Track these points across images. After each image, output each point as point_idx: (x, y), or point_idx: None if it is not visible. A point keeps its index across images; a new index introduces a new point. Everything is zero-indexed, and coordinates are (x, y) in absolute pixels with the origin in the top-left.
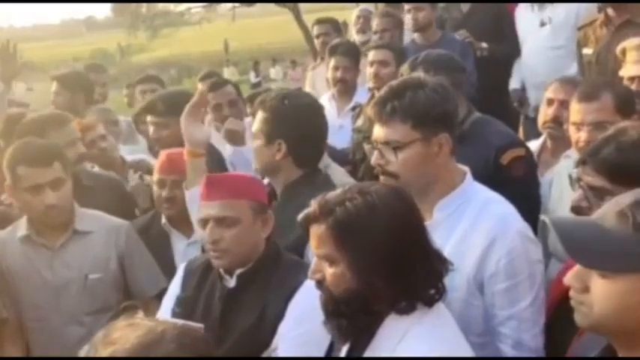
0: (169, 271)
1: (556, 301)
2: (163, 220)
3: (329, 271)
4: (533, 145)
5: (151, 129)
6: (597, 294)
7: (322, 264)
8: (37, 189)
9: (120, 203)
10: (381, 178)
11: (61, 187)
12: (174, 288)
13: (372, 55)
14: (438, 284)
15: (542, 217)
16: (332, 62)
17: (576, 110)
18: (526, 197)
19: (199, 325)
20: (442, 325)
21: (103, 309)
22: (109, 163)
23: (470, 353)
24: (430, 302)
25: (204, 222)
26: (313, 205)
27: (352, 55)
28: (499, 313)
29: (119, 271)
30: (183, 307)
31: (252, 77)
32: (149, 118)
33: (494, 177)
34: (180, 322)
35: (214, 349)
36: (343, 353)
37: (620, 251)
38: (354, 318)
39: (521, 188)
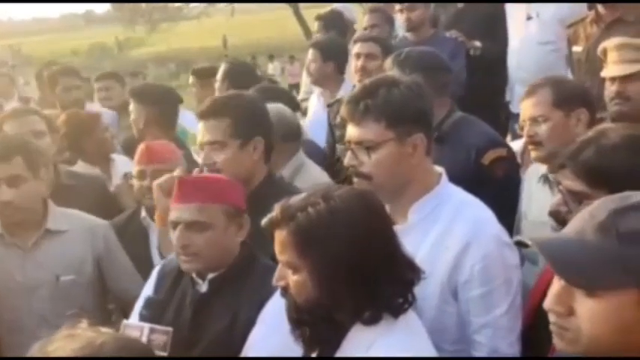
0: (146, 268)
1: (534, 308)
2: (143, 213)
3: (292, 278)
4: (517, 144)
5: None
6: (585, 316)
7: (286, 271)
8: None
9: (102, 203)
10: (354, 179)
11: (20, 184)
12: (147, 290)
13: (358, 47)
14: (406, 294)
15: (522, 238)
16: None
17: (522, 108)
18: (505, 199)
19: (167, 329)
20: (410, 334)
21: (79, 313)
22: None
23: None
24: (397, 312)
25: (173, 224)
26: (276, 210)
27: (320, 47)
28: (474, 321)
29: (96, 273)
30: (153, 310)
31: None
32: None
33: (475, 178)
34: (147, 325)
35: None
36: None
37: (608, 266)
38: (316, 327)
39: (501, 189)
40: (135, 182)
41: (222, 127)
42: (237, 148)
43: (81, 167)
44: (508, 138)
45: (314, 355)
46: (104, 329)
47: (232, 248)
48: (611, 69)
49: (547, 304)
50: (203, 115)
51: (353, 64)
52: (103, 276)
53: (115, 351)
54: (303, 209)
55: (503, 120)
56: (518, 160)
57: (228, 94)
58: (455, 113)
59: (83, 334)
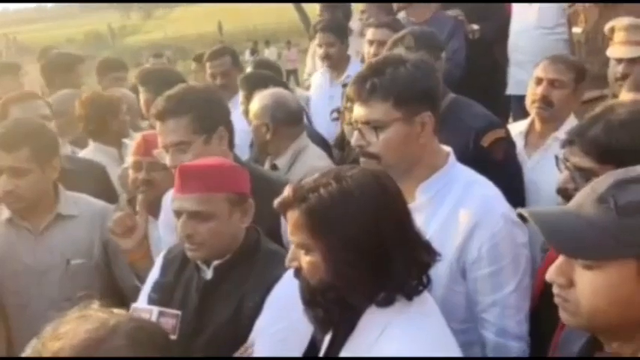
0: None
1: (542, 287)
2: (138, 206)
3: (304, 259)
4: (520, 125)
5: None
6: (583, 288)
7: (298, 252)
8: (0, 171)
9: (100, 189)
10: (362, 160)
11: (23, 175)
12: (154, 274)
13: (370, 33)
14: (421, 276)
15: (520, 209)
16: (316, 40)
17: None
18: (507, 179)
19: (176, 312)
20: (425, 315)
21: (90, 294)
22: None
23: (454, 345)
24: (411, 294)
25: (177, 214)
26: (288, 190)
27: (334, 30)
28: (482, 300)
29: (103, 256)
30: (161, 293)
31: (247, 57)
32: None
33: (474, 161)
34: (156, 308)
35: (171, 345)
36: (324, 345)
37: (606, 238)
38: (329, 309)
39: (501, 170)
40: (130, 173)
41: (183, 126)
42: (203, 144)
43: (92, 149)
44: (510, 121)
45: (328, 336)
46: (117, 310)
47: (237, 234)
48: (618, 50)
49: (548, 275)
50: (160, 116)
51: (366, 51)
52: (109, 260)
53: (130, 332)
54: (315, 190)
55: (503, 102)
56: (522, 140)
57: (180, 90)
58: (448, 95)
59: (96, 315)
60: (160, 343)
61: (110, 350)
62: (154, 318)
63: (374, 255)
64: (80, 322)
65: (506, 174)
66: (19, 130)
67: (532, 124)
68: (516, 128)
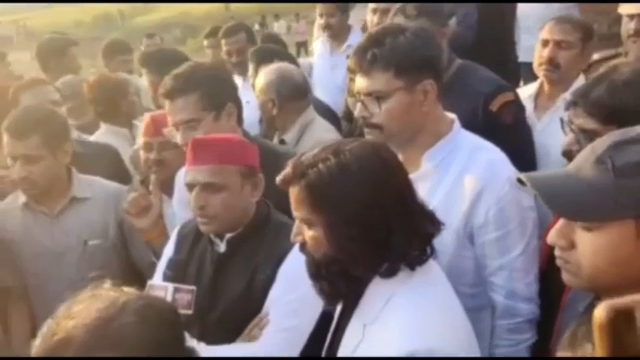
0: None
1: (550, 248)
2: (151, 186)
3: (308, 233)
4: (529, 88)
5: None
6: (584, 249)
7: (302, 226)
8: (13, 159)
9: (113, 170)
10: (366, 130)
11: (35, 162)
12: (168, 251)
13: (374, 2)
14: (424, 246)
15: (519, 174)
16: (317, 10)
17: (546, 29)
18: (517, 143)
19: (191, 288)
20: (429, 284)
21: (102, 274)
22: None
23: (460, 313)
24: (414, 265)
25: (190, 187)
26: (288, 167)
27: None
28: (490, 263)
29: (119, 236)
30: (175, 270)
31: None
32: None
33: (484, 126)
34: (171, 285)
35: (180, 322)
36: (336, 316)
37: (604, 199)
38: (334, 282)
39: (511, 134)
40: (141, 154)
41: (192, 103)
42: (212, 121)
43: (104, 132)
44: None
45: (338, 308)
46: (127, 289)
47: (248, 208)
48: (631, 6)
49: (549, 238)
50: (169, 95)
51: (369, 19)
52: (125, 240)
53: (139, 310)
54: (314, 165)
55: (513, 70)
56: (532, 103)
57: (188, 68)
58: (455, 61)
59: (106, 294)
60: (169, 319)
61: (120, 327)
62: (169, 294)
63: (375, 228)
64: (92, 302)
65: (516, 137)
66: (29, 117)
67: (541, 86)
68: (525, 92)
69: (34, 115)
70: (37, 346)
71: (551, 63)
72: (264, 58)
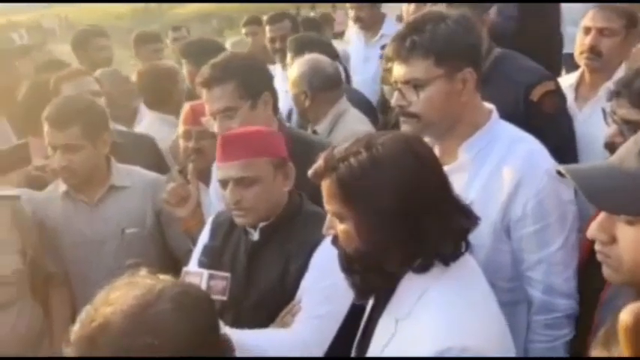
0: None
1: (590, 242)
2: (189, 174)
3: (340, 227)
4: (570, 78)
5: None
6: (626, 244)
7: (334, 220)
8: (54, 148)
9: (152, 160)
10: (402, 119)
11: (75, 151)
12: (203, 238)
13: None
14: (459, 241)
15: (558, 166)
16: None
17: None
18: (558, 134)
19: (226, 274)
20: (463, 281)
21: (139, 262)
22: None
23: (495, 310)
24: (448, 260)
25: (223, 183)
26: (320, 160)
27: None
28: (528, 257)
29: (156, 225)
30: (211, 257)
31: None
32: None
33: (524, 116)
34: (206, 271)
35: (215, 310)
36: (368, 309)
37: None
38: (365, 277)
39: (552, 124)
40: (180, 142)
41: (229, 92)
42: (249, 109)
43: (152, 119)
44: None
45: (371, 301)
46: (163, 276)
47: (281, 197)
48: None
49: (590, 232)
50: (206, 84)
51: (404, 9)
52: (162, 228)
53: (175, 297)
54: (346, 159)
55: (556, 59)
56: (573, 93)
57: (225, 57)
58: (493, 50)
59: (143, 281)
60: (205, 306)
61: (157, 314)
62: (204, 280)
63: (407, 224)
64: (129, 289)
65: (557, 128)
66: (70, 108)
67: (582, 76)
68: (566, 81)
69: (74, 105)
70: (75, 332)
71: (593, 51)
72: (302, 47)
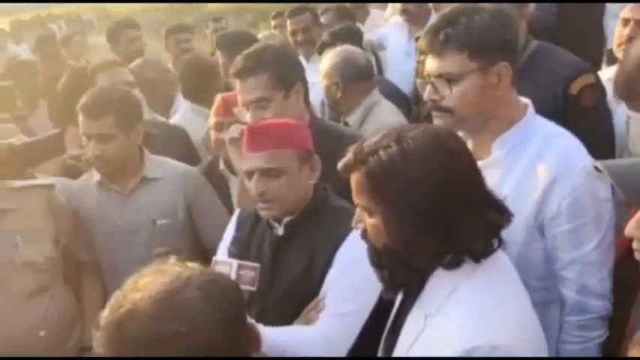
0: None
1: (627, 242)
2: (221, 165)
3: (369, 221)
4: (609, 71)
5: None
6: None
7: (363, 214)
8: (88, 138)
9: (182, 151)
10: (435, 114)
11: (109, 141)
12: (230, 230)
13: None
14: (490, 238)
15: (596, 162)
16: None
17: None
18: (597, 128)
19: (255, 265)
20: (496, 277)
21: (168, 251)
22: None
23: (527, 309)
24: (479, 257)
25: (249, 174)
26: (349, 153)
27: None
28: (562, 257)
29: (187, 218)
30: (239, 247)
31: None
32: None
33: (563, 110)
34: (236, 261)
35: (242, 300)
36: (396, 305)
37: None
38: (394, 272)
39: (591, 118)
40: (212, 134)
41: (262, 83)
42: (282, 100)
43: (187, 110)
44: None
45: (399, 296)
46: (191, 264)
47: (306, 191)
48: None
49: (627, 229)
50: (239, 74)
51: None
52: (194, 220)
53: (202, 285)
54: (375, 153)
55: (598, 55)
56: (612, 87)
57: (258, 48)
58: (531, 42)
59: (171, 269)
60: (232, 295)
61: (184, 301)
62: (233, 270)
63: (436, 219)
64: (157, 276)
65: (596, 122)
66: (104, 98)
67: None
68: (605, 75)
69: (108, 95)
70: (104, 317)
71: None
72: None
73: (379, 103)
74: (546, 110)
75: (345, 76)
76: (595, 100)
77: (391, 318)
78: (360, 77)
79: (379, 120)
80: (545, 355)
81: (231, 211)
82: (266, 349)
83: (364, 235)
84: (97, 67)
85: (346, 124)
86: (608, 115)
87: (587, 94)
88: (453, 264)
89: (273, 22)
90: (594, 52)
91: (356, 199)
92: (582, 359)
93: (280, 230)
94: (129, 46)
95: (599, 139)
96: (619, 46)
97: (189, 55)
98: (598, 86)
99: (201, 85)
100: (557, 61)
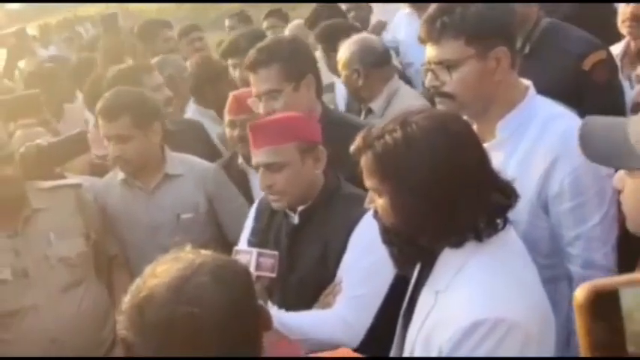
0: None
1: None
2: (240, 159)
3: (378, 202)
4: (615, 48)
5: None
6: (625, 193)
7: (374, 195)
8: (108, 139)
9: (203, 148)
10: (437, 99)
11: (127, 141)
12: (249, 221)
13: None
14: (495, 219)
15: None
16: None
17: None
18: (610, 105)
19: (274, 253)
20: (504, 255)
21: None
22: None
23: (534, 288)
24: (481, 237)
25: (257, 169)
26: (358, 138)
27: None
28: (566, 233)
29: (209, 211)
30: (259, 236)
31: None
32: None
33: (575, 86)
34: (255, 250)
35: (252, 283)
36: (411, 285)
37: (630, 149)
38: (402, 249)
39: (603, 94)
40: (227, 131)
41: (273, 75)
42: (292, 91)
43: (193, 110)
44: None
45: (414, 277)
46: (205, 252)
47: (314, 180)
48: None
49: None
50: (252, 67)
51: None
52: (215, 213)
53: (213, 270)
54: (381, 137)
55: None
56: (619, 63)
57: (270, 41)
58: (543, 20)
59: (185, 256)
60: (243, 280)
61: (196, 285)
62: (253, 258)
63: (439, 200)
64: (174, 263)
65: (609, 97)
66: (119, 100)
67: (627, 46)
68: (613, 51)
69: (123, 97)
70: (125, 302)
71: (635, 19)
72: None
73: (401, 88)
74: (558, 87)
75: (365, 62)
76: (607, 75)
77: (407, 297)
78: (380, 63)
79: (405, 104)
80: (552, 330)
81: (251, 203)
82: (287, 333)
83: (375, 214)
84: (140, 67)
85: (369, 110)
86: (621, 90)
87: (599, 70)
88: (458, 243)
89: (265, 23)
90: (606, 29)
91: (366, 181)
92: (583, 359)
93: (295, 219)
94: (164, 45)
95: (611, 115)
96: (623, 22)
97: (198, 55)
98: (610, 62)
99: (207, 86)
100: (568, 38)
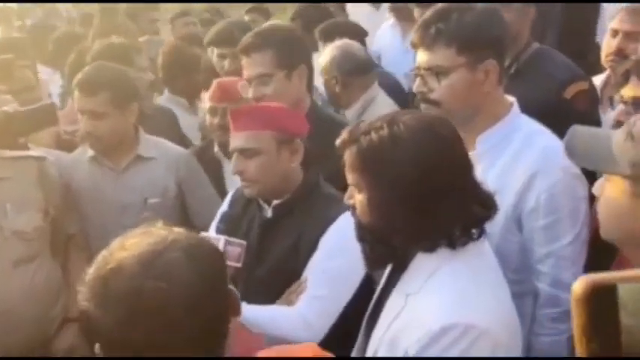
0: (221, 197)
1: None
2: (216, 148)
3: (357, 197)
4: (596, 80)
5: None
6: (602, 199)
7: (353, 190)
8: (81, 113)
9: (172, 135)
10: (422, 106)
11: (101, 118)
12: (223, 207)
13: None
14: (470, 228)
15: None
16: None
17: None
18: None
19: (242, 242)
20: (476, 264)
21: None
22: None
23: (507, 296)
24: (455, 244)
25: (231, 153)
26: (345, 132)
27: None
28: (537, 250)
29: (177, 197)
30: (228, 223)
31: None
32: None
33: (555, 112)
34: (223, 237)
35: (225, 264)
36: (378, 289)
37: (611, 155)
38: (374, 247)
39: (582, 123)
40: (207, 118)
41: (266, 59)
42: (284, 78)
43: (165, 97)
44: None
45: (383, 279)
46: (177, 229)
47: (289, 174)
48: None
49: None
50: (245, 50)
51: None
52: (184, 200)
53: (185, 247)
54: (368, 133)
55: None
56: (599, 95)
57: (266, 27)
58: (532, 45)
59: (157, 232)
60: (215, 259)
61: (168, 260)
62: (220, 246)
63: (418, 201)
64: (144, 237)
65: (588, 124)
66: (100, 75)
67: (608, 78)
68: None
69: (104, 72)
70: (89, 273)
71: (620, 54)
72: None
73: (377, 97)
74: (540, 111)
75: (343, 70)
76: (587, 105)
77: (374, 300)
78: (359, 71)
79: (376, 114)
80: (519, 340)
81: (223, 193)
82: (246, 324)
83: (353, 211)
84: (132, 45)
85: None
86: (598, 121)
87: (580, 99)
88: (431, 247)
89: (247, 17)
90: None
91: (347, 175)
92: (561, 359)
93: (269, 212)
94: (149, 26)
95: None
96: (607, 56)
97: (169, 44)
98: (591, 93)
99: (179, 74)
100: (554, 65)
